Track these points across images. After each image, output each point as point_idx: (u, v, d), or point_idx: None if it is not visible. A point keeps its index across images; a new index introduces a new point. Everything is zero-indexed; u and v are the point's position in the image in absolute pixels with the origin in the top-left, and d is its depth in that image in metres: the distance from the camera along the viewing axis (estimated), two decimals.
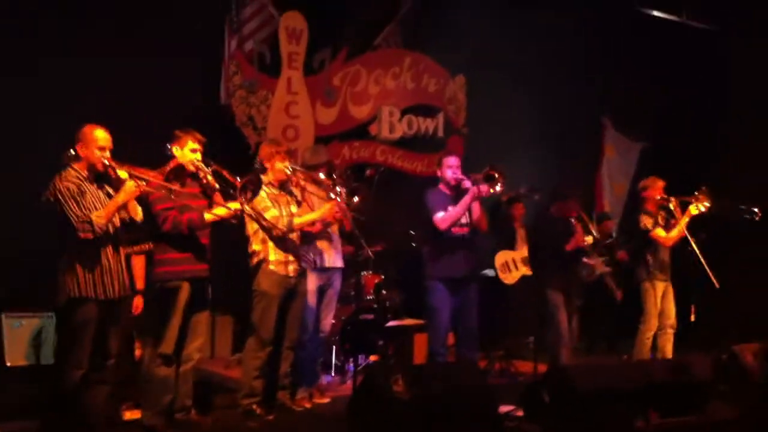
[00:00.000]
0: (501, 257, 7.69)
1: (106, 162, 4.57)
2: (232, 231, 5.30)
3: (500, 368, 7.44)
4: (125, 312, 4.86)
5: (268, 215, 5.38)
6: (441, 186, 6.24)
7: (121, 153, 4.70)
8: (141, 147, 5.12)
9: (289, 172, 5.56)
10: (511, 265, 7.68)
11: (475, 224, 6.14)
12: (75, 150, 4.61)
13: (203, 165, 4.99)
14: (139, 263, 5.11)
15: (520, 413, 5.40)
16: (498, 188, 5.95)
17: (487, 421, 4.98)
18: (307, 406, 5.86)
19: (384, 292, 7.34)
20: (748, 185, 7.93)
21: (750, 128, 9.64)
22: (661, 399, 5.35)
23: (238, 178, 4.94)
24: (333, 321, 6.44)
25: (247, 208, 5.10)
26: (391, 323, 7.18)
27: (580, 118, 10.02)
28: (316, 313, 5.97)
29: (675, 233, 6.84)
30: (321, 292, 6.01)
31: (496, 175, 5.94)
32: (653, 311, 6.95)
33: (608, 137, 10.76)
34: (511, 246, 7.89)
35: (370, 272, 7.35)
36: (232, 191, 4.91)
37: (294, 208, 5.60)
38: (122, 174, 4.60)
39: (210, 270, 5.07)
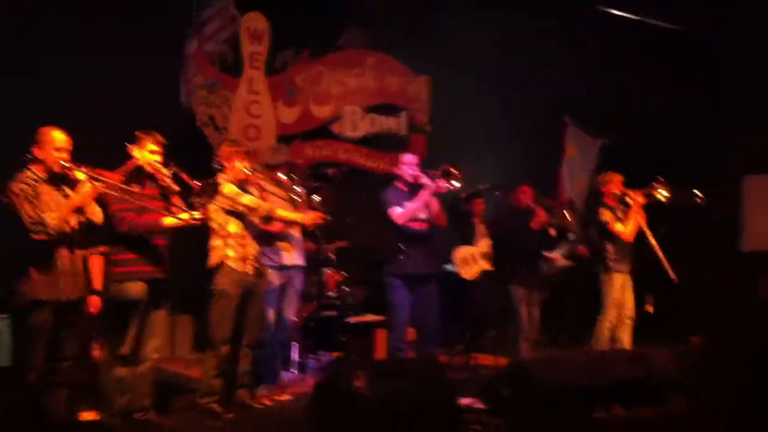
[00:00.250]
0: (460, 252, 7.73)
1: (63, 163, 4.55)
2: (191, 230, 5.29)
3: (462, 362, 7.50)
4: (82, 313, 4.83)
5: (244, 200, 5.41)
6: (398, 183, 6.29)
7: (80, 154, 4.69)
8: (101, 148, 5.11)
9: (247, 172, 5.57)
10: (470, 260, 7.73)
11: (434, 220, 6.20)
12: (31, 152, 4.59)
13: (163, 167, 4.99)
14: (97, 263, 5.08)
15: (481, 406, 5.45)
16: (455, 184, 6.02)
17: (447, 414, 5.01)
18: (268, 403, 5.86)
19: (346, 289, 7.38)
20: (706, 176, 8.05)
21: (709, 123, 9.83)
22: (621, 392, 5.43)
23: (197, 182, 4.94)
24: (295, 318, 6.47)
25: (220, 199, 5.11)
26: (352, 320, 7.23)
27: (542, 116, 10.11)
28: (276, 311, 5.99)
29: (632, 225, 6.95)
30: (282, 289, 6.03)
31: (453, 172, 6.00)
32: (612, 302, 7.06)
33: (569, 135, 10.85)
34: (470, 241, 7.93)
35: (332, 269, 7.37)
36: (190, 196, 4.92)
37: None
38: (80, 175, 4.59)
39: (167, 270, 5.07)
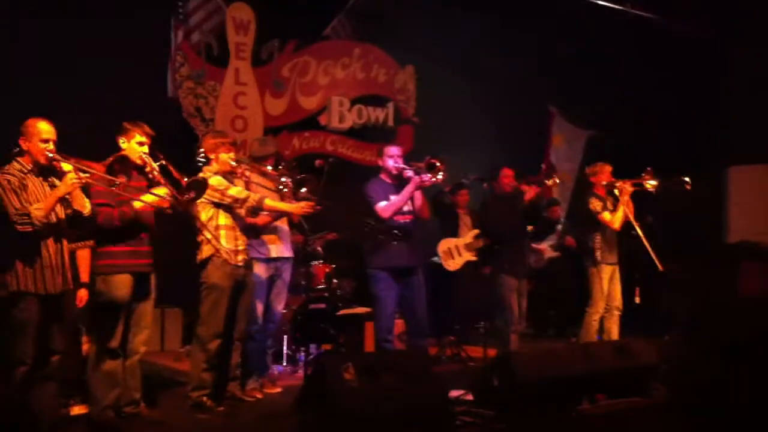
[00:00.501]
0: (444, 244, 7.70)
1: (50, 154, 4.51)
2: (179, 223, 5.27)
3: (451, 354, 7.52)
4: (70, 306, 4.80)
5: (232, 192, 5.38)
6: (382, 175, 6.27)
7: (67, 146, 4.65)
8: (88, 139, 5.08)
9: (233, 164, 5.53)
10: (454, 251, 7.71)
11: (418, 212, 6.19)
12: (18, 144, 4.55)
13: (150, 159, 4.95)
14: (84, 256, 5.05)
15: (470, 397, 5.47)
16: (440, 177, 6.01)
17: (437, 407, 5.03)
18: (258, 396, 5.86)
19: (335, 281, 7.37)
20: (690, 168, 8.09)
21: (696, 116, 9.88)
22: (605, 383, 5.47)
23: (185, 179, 4.91)
24: (284, 311, 6.45)
25: (209, 189, 5.10)
26: (341, 312, 7.22)
27: (528, 107, 10.15)
28: (265, 303, 5.98)
29: (620, 214, 6.98)
30: (270, 282, 6.01)
31: (438, 164, 5.99)
32: (600, 294, 7.10)
33: (556, 126, 10.90)
34: (454, 233, 7.93)
35: (321, 262, 7.36)
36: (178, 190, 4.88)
37: None
38: (66, 167, 4.55)
39: (154, 263, 5.03)
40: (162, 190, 4.82)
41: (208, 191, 5.14)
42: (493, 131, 9.41)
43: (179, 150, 5.89)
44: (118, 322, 4.89)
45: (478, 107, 9.46)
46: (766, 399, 3.35)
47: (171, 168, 4.92)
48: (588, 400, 5.40)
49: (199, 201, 5.20)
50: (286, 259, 6.14)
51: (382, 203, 6.06)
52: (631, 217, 7.00)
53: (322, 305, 7.14)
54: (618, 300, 7.19)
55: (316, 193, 5.89)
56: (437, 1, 9.12)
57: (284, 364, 6.97)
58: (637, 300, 7.95)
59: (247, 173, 5.74)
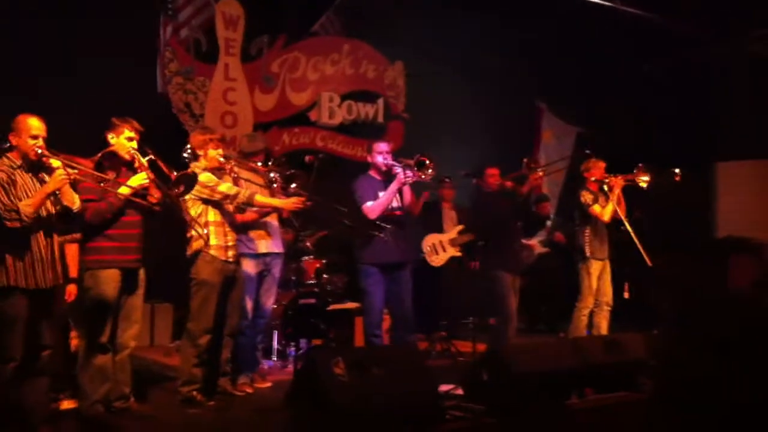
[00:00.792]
0: (429, 240, 7.70)
1: (39, 150, 4.50)
2: (168, 219, 5.27)
3: (441, 349, 7.53)
4: (59, 301, 4.79)
5: (222, 188, 5.37)
6: (371, 172, 6.28)
7: (57, 142, 4.64)
8: (77, 135, 5.07)
9: (222, 160, 5.53)
10: (439, 247, 7.71)
11: (407, 209, 6.21)
12: (8, 139, 4.54)
13: (139, 154, 4.95)
14: (72, 251, 5.05)
15: (460, 392, 5.48)
16: (429, 173, 6.03)
17: (427, 401, 5.04)
18: (249, 391, 5.87)
19: (325, 276, 7.38)
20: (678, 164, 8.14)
21: (685, 111, 9.93)
22: (595, 377, 5.49)
23: (174, 173, 4.91)
24: (274, 306, 6.46)
25: (198, 187, 5.09)
26: (331, 307, 7.23)
27: (518, 103, 10.17)
28: (255, 298, 5.98)
29: (610, 207, 7.01)
30: (260, 277, 6.01)
31: (428, 162, 6.02)
32: (589, 289, 7.13)
33: (545, 122, 10.92)
34: (438, 228, 7.91)
35: (312, 257, 7.37)
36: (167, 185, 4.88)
37: None
38: (55, 163, 4.55)
39: (144, 259, 5.03)
40: (141, 176, 4.82)
41: (198, 187, 5.14)
42: (484, 127, 9.44)
43: (169, 146, 5.89)
44: (107, 317, 4.89)
45: (468, 103, 9.48)
46: (757, 396, 3.37)
47: (160, 163, 4.92)
48: (577, 395, 5.42)
49: (188, 197, 5.20)
50: (276, 254, 6.14)
51: (369, 203, 6.07)
52: (622, 213, 7.04)
53: (312, 300, 7.16)
54: (608, 295, 7.22)
55: (306, 188, 5.89)
56: None
57: (274, 359, 6.97)
58: (626, 295, 7.99)
59: (236, 169, 5.74)
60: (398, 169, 6.09)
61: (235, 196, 5.43)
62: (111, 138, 4.95)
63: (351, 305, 7.33)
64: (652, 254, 6.97)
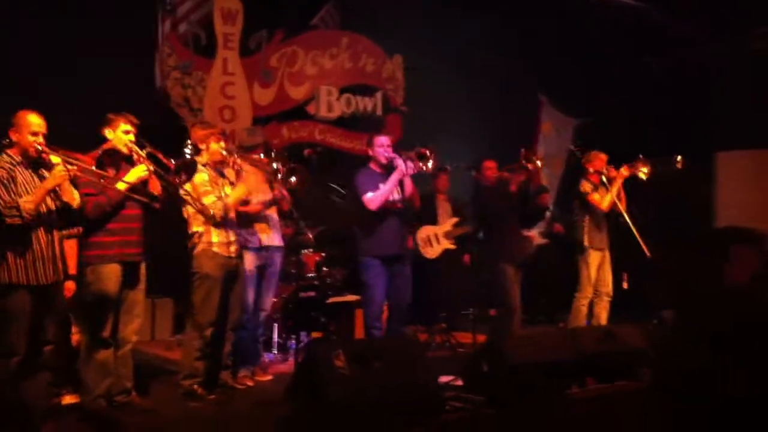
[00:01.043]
0: (423, 232, 7.65)
1: (39, 147, 4.51)
2: (169, 212, 5.28)
3: (441, 341, 7.56)
4: (60, 297, 4.81)
5: (206, 200, 5.36)
6: (372, 165, 6.29)
7: (57, 142, 4.65)
8: (78, 135, 5.08)
9: (224, 153, 5.53)
10: (433, 239, 7.69)
11: (408, 200, 6.22)
12: (8, 136, 4.56)
13: (137, 147, 4.95)
14: (70, 247, 5.06)
15: (460, 383, 5.51)
16: (430, 164, 6.06)
17: (427, 393, 5.06)
18: (250, 384, 5.89)
19: (325, 269, 7.40)
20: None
21: (682, 104, 9.93)
22: (594, 367, 5.51)
23: (173, 161, 4.93)
24: (274, 299, 6.48)
25: (188, 186, 5.10)
26: (331, 300, 7.25)
27: (517, 95, 10.17)
28: (256, 292, 6.00)
29: (609, 197, 7.03)
30: (260, 271, 6.03)
31: (428, 153, 6.04)
32: (588, 280, 7.16)
33: (545, 114, 10.92)
34: (433, 220, 7.88)
35: (311, 250, 7.38)
36: (165, 174, 4.89)
37: (228, 190, 5.57)
38: (54, 159, 4.56)
39: (144, 253, 5.05)
40: (140, 168, 4.83)
41: (187, 186, 5.13)
42: (483, 118, 9.43)
43: (168, 141, 5.90)
44: (108, 312, 4.91)
45: (467, 96, 9.48)
46: (754, 390, 3.38)
47: (158, 155, 4.93)
48: (577, 385, 5.45)
49: (186, 195, 5.21)
50: (277, 247, 6.16)
51: (370, 194, 6.09)
52: (622, 206, 7.05)
53: (313, 293, 7.18)
54: (608, 286, 7.25)
55: (306, 182, 5.91)
56: None
57: (275, 352, 7.00)
58: (625, 285, 8.01)
59: (239, 161, 5.72)
60: (399, 162, 6.11)
61: (212, 216, 5.36)
62: (108, 133, 4.95)
63: (351, 298, 7.34)
64: (652, 245, 6.99)
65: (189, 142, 5.69)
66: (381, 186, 6.10)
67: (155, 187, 4.99)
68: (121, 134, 4.93)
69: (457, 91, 9.35)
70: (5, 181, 4.43)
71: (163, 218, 5.23)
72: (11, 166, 4.50)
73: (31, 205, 4.42)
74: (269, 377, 6.18)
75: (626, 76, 10.16)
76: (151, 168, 4.87)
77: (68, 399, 5.14)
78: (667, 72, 10.10)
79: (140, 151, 4.92)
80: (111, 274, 4.88)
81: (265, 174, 5.98)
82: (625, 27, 9.91)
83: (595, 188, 7.15)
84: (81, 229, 4.97)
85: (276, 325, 7.05)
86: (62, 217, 4.70)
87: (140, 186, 4.92)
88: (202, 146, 5.51)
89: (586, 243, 7.15)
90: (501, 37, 9.39)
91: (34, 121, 4.53)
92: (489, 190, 7.10)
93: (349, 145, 9.35)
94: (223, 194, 5.47)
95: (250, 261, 5.88)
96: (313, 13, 9.28)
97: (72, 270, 4.98)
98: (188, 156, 5.51)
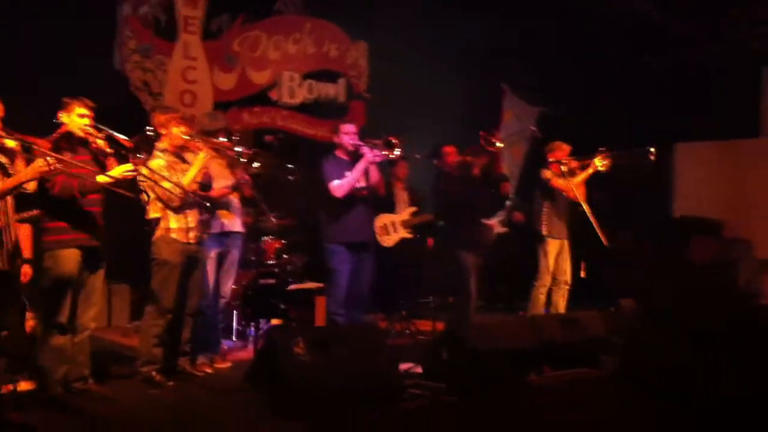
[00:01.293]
0: (380, 220, 7.60)
1: None
2: (126, 198, 5.21)
3: (401, 328, 7.58)
4: (16, 283, 4.73)
5: (167, 185, 5.29)
6: (338, 152, 6.29)
7: (12, 121, 4.57)
8: (33, 115, 4.99)
9: (186, 138, 5.47)
10: (390, 228, 7.67)
11: (374, 188, 6.23)
12: None
13: (93, 130, 4.88)
14: (25, 231, 4.97)
15: (419, 370, 5.54)
16: (397, 153, 6.07)
17: (387, 380, 5.08)
18: (208, 371, 5.86)
19: (285, 256, 7.37)
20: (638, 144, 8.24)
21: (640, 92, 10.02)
22: (554, 355, 5.57)
23: (130, 140, 4.86)
24: (234, 286, 6.45)
25: (144, 170, 5.04)
26: (292, 287, 7.23)
27: (480, 83, 10.18)
28: (215, 279, 5.97)
29: (576, 181, 7.03)
30: (220, 257, 6.00)
31: (395, 141, 6.06)
32: (546, 268, 7.21)
33: (507, 102, 10.96)
34: (391, 209, 7.82)
35: (272, 237, 7.34)
36: (124, 152, 4.82)
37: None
38: (10, 143, 4.46)
39: (103, 238, 4.99)
40: (127, 166, 4.78)
41: (145, 171, 5.06)
42: (446, 106, 9.43)
43: (127, 124, 5.82)
44: (65, 297, 4.84)
45: (430, 82, 9.47)
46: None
47: (115, 135, 4.86)
48: (535, 372, 5.50)
49: (143, 181, 5.15)
50: (237, 234, 6.13)
51: (336, 182, 6.10)
52: (581, 196, 7.08)
53: (272, 281, 7.15)
54: (567, 274, 7.32)
55: (269, 168, 5.88)
56: None
57: (234, 339, 6.97)
58: (583, 274, 8.08)
59: (200, 145, 5.63)
60: (365, 149, 6.12)
61: (170, 197, 5.32)
62: (63, 117, 4.88)
63: (311, 285, 7.33)
64: (610, 234, 7.06)
65: (149, 128, 5.60)
66: (347, 174, 6.11)
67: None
68: (76, 118, 4.86)
69: (421, 78, 9.34)
70: None
71: (120, 203, 5.16)
72: None
73: None
74: (228, 364, 6.15)
75: (588, 62, 10.22)
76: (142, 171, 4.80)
77: (24, 385, 5.06)
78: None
79: (97, 134, 4.85)
80: (70, 259, 4.81)
81: (227, 159, 5.94)
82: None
83: (556, 175, 7.19)
84: (36, 212, 4.89)
85: (235, 312, 7.02)
86: (18, 201, 4.61)
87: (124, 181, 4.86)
88: (163, 131, 5.45)
89: (544, 232, 7.21)
90: (467, 24, 9.38)
91: None
92: (451, 177, 7.09)
93: (311, 131, 9.31)
94: (181, 179, 5.41)
95: (209, 247, 5.83)
96: None
97: (27, 254, 4.90)
98: (149, 132, 5.44)
